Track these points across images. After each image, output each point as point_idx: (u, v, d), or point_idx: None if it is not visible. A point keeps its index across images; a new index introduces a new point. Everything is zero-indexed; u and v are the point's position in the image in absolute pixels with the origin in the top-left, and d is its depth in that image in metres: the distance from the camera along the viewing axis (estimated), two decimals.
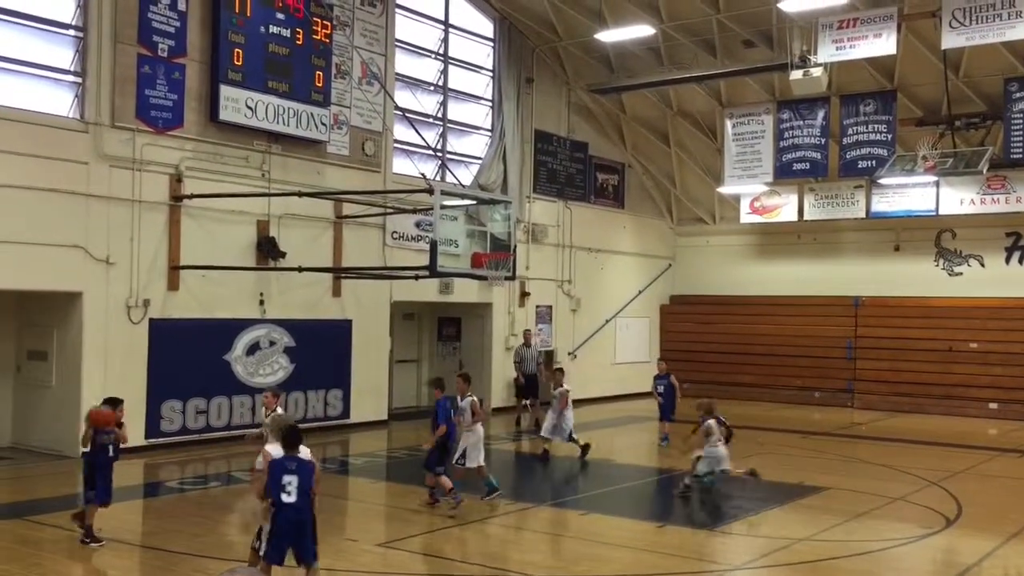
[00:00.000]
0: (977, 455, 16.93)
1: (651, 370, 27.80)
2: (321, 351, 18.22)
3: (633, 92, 24.82)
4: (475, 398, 12.11)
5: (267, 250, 17.16)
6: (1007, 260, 23.97)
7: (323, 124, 17.97)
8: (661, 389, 17.96)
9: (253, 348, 17.14)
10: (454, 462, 11.84)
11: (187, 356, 15.99)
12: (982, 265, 24.29)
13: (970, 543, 10.64)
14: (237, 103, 16.47)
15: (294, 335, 17.74)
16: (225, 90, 16.29)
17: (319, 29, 17.87)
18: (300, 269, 16.58)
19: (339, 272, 18.21)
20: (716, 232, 28.16)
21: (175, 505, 12.03)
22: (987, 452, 17.46)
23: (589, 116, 26.01)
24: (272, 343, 17.45)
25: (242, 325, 16.99)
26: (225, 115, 16.34)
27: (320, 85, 17.85)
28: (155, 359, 15.66)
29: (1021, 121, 20.68)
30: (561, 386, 16.13)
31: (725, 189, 25.49)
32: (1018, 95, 20.70)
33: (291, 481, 7.42)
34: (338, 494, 12.50)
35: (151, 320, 15.64)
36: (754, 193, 25.54)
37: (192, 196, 15.87)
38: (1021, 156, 20.85)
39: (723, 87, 24.37)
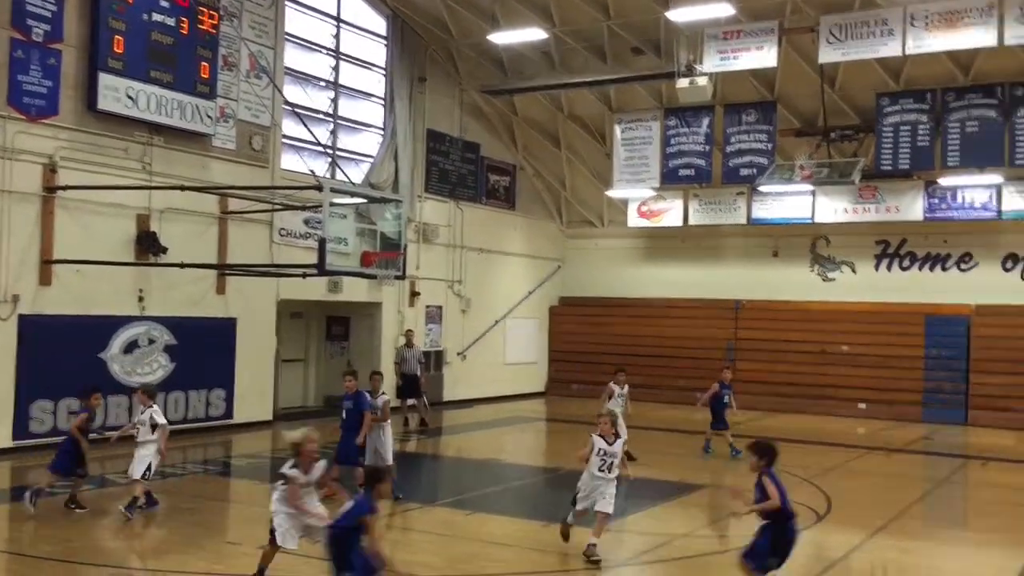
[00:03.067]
0: (846, 453, 17.70)
1: (540, 372, 28.34)
2: (204, 350, 17.72)
3: (525, 94, 25.04)
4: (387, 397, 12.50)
5: (147, 245, 16.59)
6: (876, 267, 25.19)
7: (208, 117, 17.50)
8: (726, 399, 16.96)
9: (131, 346, 16.56)
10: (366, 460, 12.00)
11: (59, 354, 15.32)
12: (854, 271, 25.45)
13: (838, 537, 11.13)
14: (117, 92, 15.88)
15: (175, 333, 17.22)
16: (104, 78, 15.69)
17: (205, 19, 17.40)
18: (182, 265, 16.07)
19: (223, 269, 17.75)
20: (604, 235, 28.66)
21: (44, 509, 11.51)
22: (856, 450, 18.27)
23: (481, 117, 26.10)
24: (152, 341, 16.90)
25: (120, 322, 16.39)
26: (104, 104, 15.74)
27: (206, 76, 17.37)
28: (24, 357, 14.96)
29: (891, 134, 21.74)
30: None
31: (614, 193, 25.97)
32: (889, 109, 21.76)
33: None
34: (220, 497, 12.20)
35: (20, 316, 14.94)
36: (642, 197, 26.10)
37: (67, 187, 15.24)
38: (891, 167, 21.93)
39: (613, 93, 24.82)
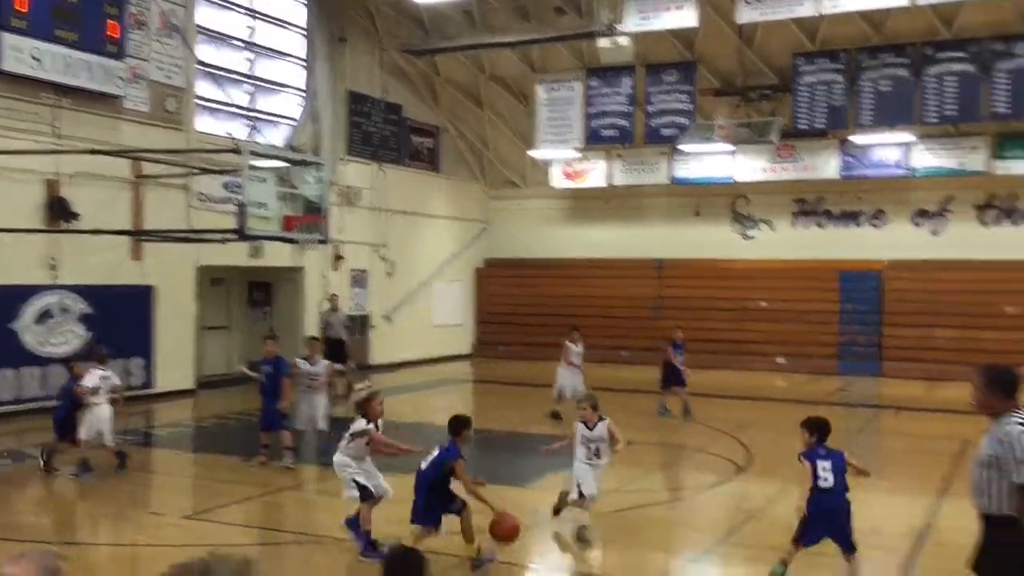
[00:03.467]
0: (766, 406, 18.19)
1: (467, 334, 28.39)
2: (120, 318, 17.26)
3: (447, 55, 24.79)
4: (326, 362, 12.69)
5: (58, 211, 16.05)
6: (794, 224, 25.78)
7: (119, 78, 16.90)
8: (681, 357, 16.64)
9: (44, 316, 16.06)
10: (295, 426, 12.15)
11: None
12: (772, 229, 26.00)
13: (758, 487, 11.48)
14: (21, 53, 15.21)
15: (90, 302, 16.74)
16: (8, 38, 15.01)
17: None
18: (96, 232, 15.59)
19: (139, 235, 17.25)
20: (529, 196, 28.69)
21: None
22: (775, 403, 18.78)
23: (403, 78, 25.77)
24: (65, 310, 16.40)
25: (30, 291, 15.87)
26: (8, 65, 15.07)
27: (114, 36, 16.74)
28: None
29: (807, 94, 22.16)
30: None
31: (537, 153, 25.97)
32: (805, 69, 22.15)
33: None
34: (141, 467, 11.99)
35: None
36: (565, 158, 26.16)
37: None
38: (807, 127, 22.38)
39: (535, 53, 24.73)
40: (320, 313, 21.06)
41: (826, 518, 7.50)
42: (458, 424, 8.17)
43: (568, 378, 16.17)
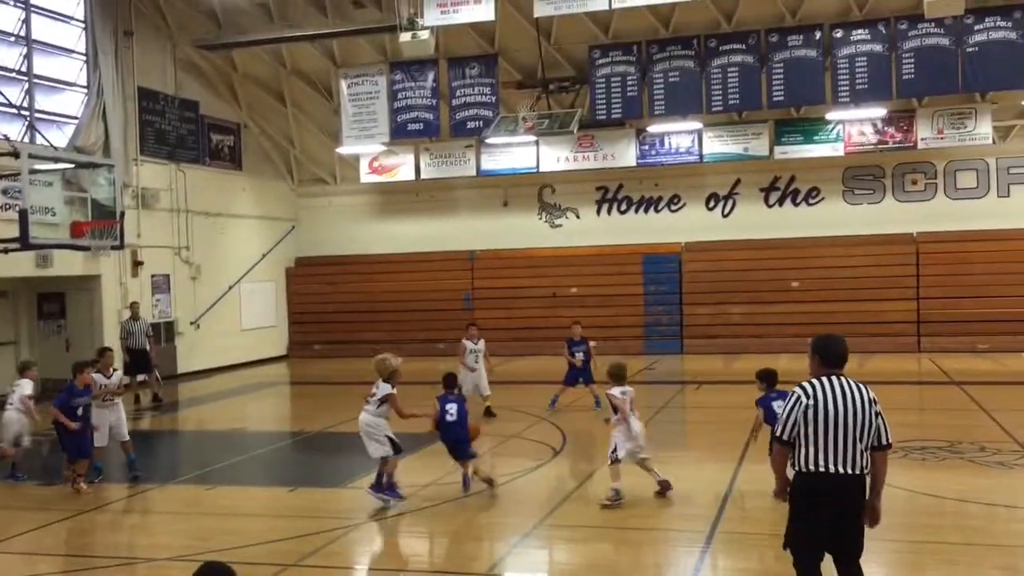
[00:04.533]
0: (577, 390, 18.75)
1: (280, 335, 27.69)
2: None
3: (244, 50, 24.03)
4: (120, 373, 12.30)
5: None
6: (598, 212, 26.70)
7: None
8: (578, 353, 16.25)
9: None
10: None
11: None
12: (578, 217, 26.83)
13: (574, 468, 11.88)
14: None
15: None
16: None
17: None
18: None
19: None
20: (338, 192, 28.30)
21: None
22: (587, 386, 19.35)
23: (199, 74, 24.77)
24: None
25: None
26: None
27: None
28: None
29: (604, 85, 22.98)
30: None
31: (344, 149, 25.64)
32: (600, 61, 22.95)
33: None
34: None
35: None
36: (372, 153, 25.97)
37: None
38: (605, 116, 23.21)
39: (336, 47, 24.39)
40: (120, 323, 19.96)
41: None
42: (451, 378, 11.02)
43: (469, 380, 14.96)
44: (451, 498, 10.23)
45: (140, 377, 19.19)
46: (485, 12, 20.16)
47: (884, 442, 5.78)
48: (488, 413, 15.26)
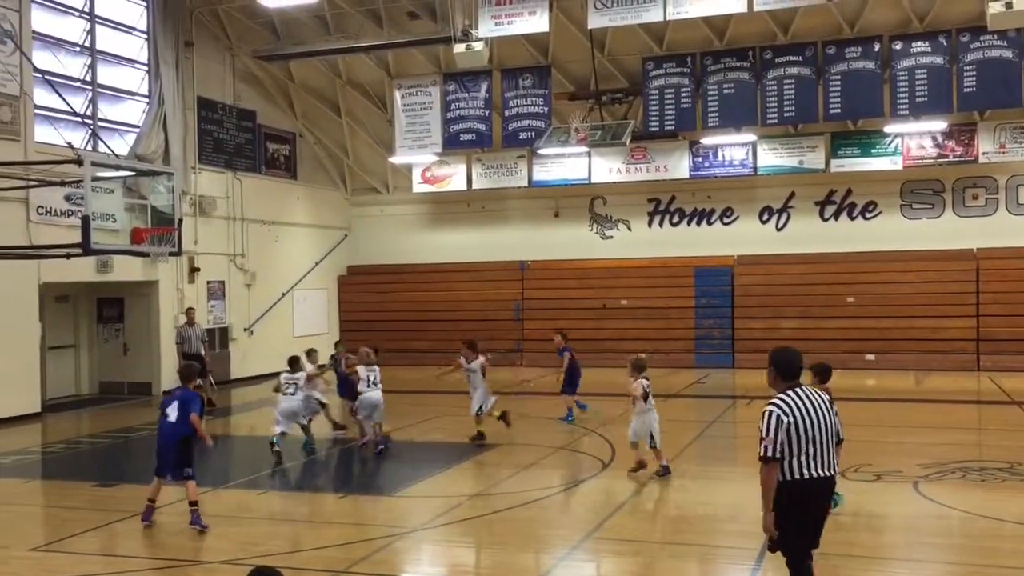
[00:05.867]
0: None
1: (331, 343, 27.84)
2: None
3: (301, 60, 24.39)
4: None
5: None
6: (649, 224, 26.56)
7: None
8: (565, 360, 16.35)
9: None
10: None
11: None
12: (629, 229, 26.72)
13: (623, 482, 11.78)
14: None
15: None
16: None
17: None
18: None
19: None
20: (390, 202, 28.53)
21: None
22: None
23: (256, 84, 25.19)
24: None
25: None
26: None
27: None
28: None
29: (657, 97, 22.90)
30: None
31: (397, 159, 25.86)
32: (654, 73, 22.88)
33: None
34: None
35: None
36: (425, 163, 26.15)
37: None
38: (658, 128, 23.12)
39: (391, 58, 24.63)
40: (176, 328, 20.32)
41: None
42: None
43: (477, 397, 14.48)
44: (500, 508, 10.22)
45: (197, 382, 19.45)
46: (539, 23, 20.22)
47: (841, 437, 6.72)
48: (504, 419, 14.59)
